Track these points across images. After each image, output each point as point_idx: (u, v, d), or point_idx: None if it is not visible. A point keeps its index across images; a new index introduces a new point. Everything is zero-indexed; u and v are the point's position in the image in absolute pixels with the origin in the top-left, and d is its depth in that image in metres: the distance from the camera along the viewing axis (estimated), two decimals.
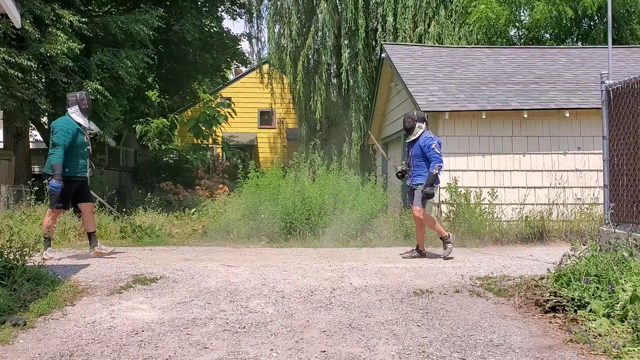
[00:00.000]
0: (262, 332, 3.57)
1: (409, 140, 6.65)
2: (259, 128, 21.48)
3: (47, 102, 10.73)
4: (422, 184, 6.34)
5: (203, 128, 16.36)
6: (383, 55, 11.55)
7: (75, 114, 6.27)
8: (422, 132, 6.48)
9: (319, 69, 16.26)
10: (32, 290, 4.30)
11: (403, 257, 6.56)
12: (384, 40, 14.58)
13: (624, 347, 3.07)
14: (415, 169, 6.51)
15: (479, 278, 5.12)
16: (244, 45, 53.15)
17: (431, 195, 6.38)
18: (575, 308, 3.71)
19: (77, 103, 6.29)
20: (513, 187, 8.61)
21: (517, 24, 17.70)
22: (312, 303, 4.28)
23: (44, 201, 8.93)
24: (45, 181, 6.34)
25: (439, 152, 6.31)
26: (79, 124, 6.27)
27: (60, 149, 6.05)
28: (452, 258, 6.39)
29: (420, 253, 6.60)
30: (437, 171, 6.25)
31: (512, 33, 17.84)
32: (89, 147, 6.44)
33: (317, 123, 16.99)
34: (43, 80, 11.67)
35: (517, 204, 8.40)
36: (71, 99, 6.35)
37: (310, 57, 16.76)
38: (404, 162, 7.05)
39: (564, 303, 3.79)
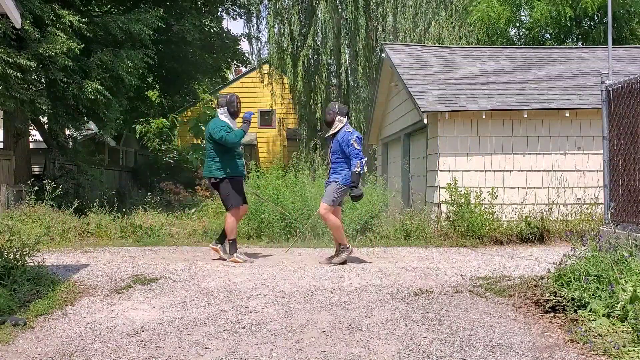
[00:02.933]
0: (262, 332, 3.57)
1: (328, 135, 6.19)
2: (259, 128, 21.46)
3: (47, 102, 10.73)
4: (336, 181, 5.89)
5: (203, 128, 16.35)
6: (383, 55, 11.55)
7: (223, 115, 6.30)
8: (342, 127, 6.00)
9: (319, 69, 16.28)
10: (32, 290, 4.31)
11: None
12: (384, 40, 14.60)
13: (624, 347, 3.06)
14: (333, 166, 6.04)
15: (479, 278, 5.13)
16: (244, 45, 53.15)
17: (359, 197, 5.89)
18: (575, 308, 3.71)
19: (226, 105, 6.31)
20: (513, 187, 8.61)
21: (518, 24, 17.74)
22: (312, 303, 4.28)
23: (44, 201, 8.94)
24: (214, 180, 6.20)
25: (358, 148, 5.80)
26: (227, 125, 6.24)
27: (226, 135, 6.04)
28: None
29: (346, 249, 6.11)
30: (359, 169, 5.76)
31: (512, 33, 17.88)
32: (242, 146, 6.47)
33: (317, 123, 17.01)
34: (43, 80, 11.67)
35: (517, 204, 8.40)
36: (221, 101, 6.39)
37: (310, 57, 16.78)
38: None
39: (564, 303, 3.79)
